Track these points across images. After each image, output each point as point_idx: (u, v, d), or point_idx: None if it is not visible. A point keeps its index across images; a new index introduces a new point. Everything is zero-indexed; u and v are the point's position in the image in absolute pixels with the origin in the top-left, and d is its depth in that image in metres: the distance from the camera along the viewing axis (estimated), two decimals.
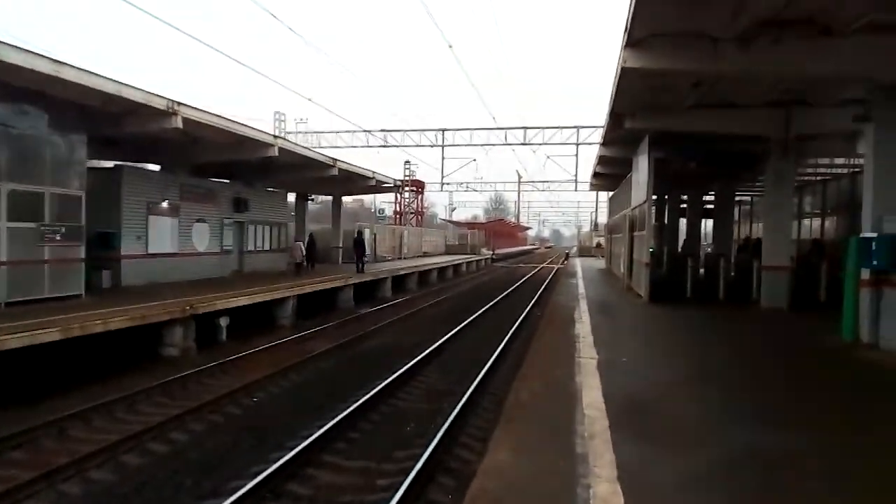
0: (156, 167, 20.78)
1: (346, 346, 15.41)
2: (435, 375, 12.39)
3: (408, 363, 12.68)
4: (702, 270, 17.97)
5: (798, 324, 13.46)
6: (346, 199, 34.11)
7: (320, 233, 36.20)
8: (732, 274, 16.92)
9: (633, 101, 13.97)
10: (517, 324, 16.86)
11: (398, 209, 50.72)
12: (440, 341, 15.18)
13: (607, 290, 20.68)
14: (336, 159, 24.82)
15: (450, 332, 16.50)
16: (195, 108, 15.25)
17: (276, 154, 19.52)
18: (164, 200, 19.26)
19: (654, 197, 16.23)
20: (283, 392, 11.18)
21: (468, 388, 10.32)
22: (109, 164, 18.77)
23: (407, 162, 50.37)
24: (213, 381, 11.89)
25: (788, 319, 13.89)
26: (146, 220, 18.61)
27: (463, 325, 17.87)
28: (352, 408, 9.45)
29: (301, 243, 26.50)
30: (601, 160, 23.55)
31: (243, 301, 16.11)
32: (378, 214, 50.38)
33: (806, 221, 21.96)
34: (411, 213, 52.49)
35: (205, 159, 20.59)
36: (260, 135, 18.88)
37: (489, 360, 12.52)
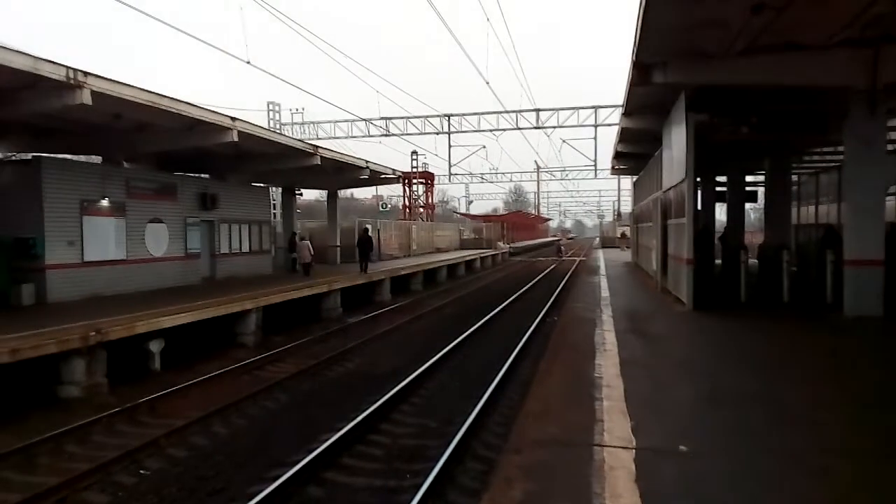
0: (97, 159, 17.77)
1: (311, 372, 12.37)
2: (409, 420, 9.22)
3: (379, 399, 9.58)
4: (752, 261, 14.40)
5: None
6: (361, 194, 31.26)
7: (317, 230, 33.27)
8: (794, 269, 13.36)
9: (664, 44, 10.52)
10: (523, 341, 13.53)
11: (406, 203, 47.44)
12: (429, 363, 12.08)
13: (637, 292, 16.98)
14: (318, 146, 21.67)
15: (444, 348, 13.41)
16: (109, 80, 12.15)
17: (236, 139, 16.37)
18: (104, 198, 16.23)
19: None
20: (191, 456, 8.00)
21: (445, 450, 7.18)
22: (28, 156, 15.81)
23: (414, 152, 47.16)
24: (105, 437, 8.82)
25: None
26: (80, 221, 15.58)
27: (461, 338, 14.71)
28: (269, 490, 6.33)
29: (308, 242, 23.84)
30: (623, 135, 19.83)
31: (184, 318, 13.03)
32: (382, 209, 47.15)
33: None
34: (421, 206, 49.20)
35: (156, 148, 17.63)
36: (213, 116, 15.75)
37: (482, 397, 9.39)
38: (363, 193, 70.02)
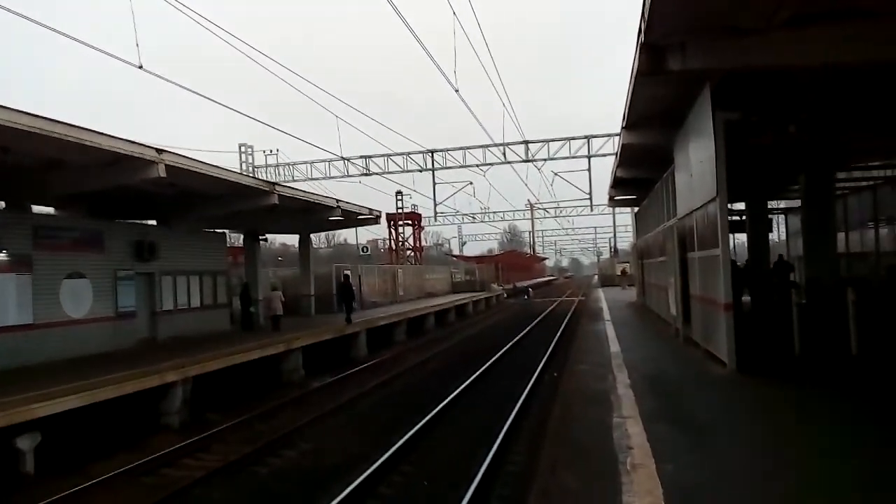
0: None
1: (236, 468, 9.44)
2: None
3: None
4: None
5: None
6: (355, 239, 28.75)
7: (290, 279, 30.43)
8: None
9: (682, 16, 7.82)
10: (514, 414, 10.54)
11: (392, 246, 44.71)
12: (394, 448, 9.17)
13: (654, 345, 13.79)
14: (275, 184, 18.96)
15: (418, 422, 10.56)
16: None
17: (163, 174, 13.58)
18: (0, 251, 13.38)
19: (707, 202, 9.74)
20: None
21: None
22: None
23: (399, 193, 44.62)
24: None
25: None
26: None
27: (441, 406, 11.87)
28: None
29: (280, 293, 21.37)
30: (624, 155, 16.76)
31: (72, 402, 10.02)
32: (362, 252, 44.32)
33: None
34: (409, 249, 46.44)
35: (72, 189, 14.91)
36: (132, 148, 12.95)
37: None
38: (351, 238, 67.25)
